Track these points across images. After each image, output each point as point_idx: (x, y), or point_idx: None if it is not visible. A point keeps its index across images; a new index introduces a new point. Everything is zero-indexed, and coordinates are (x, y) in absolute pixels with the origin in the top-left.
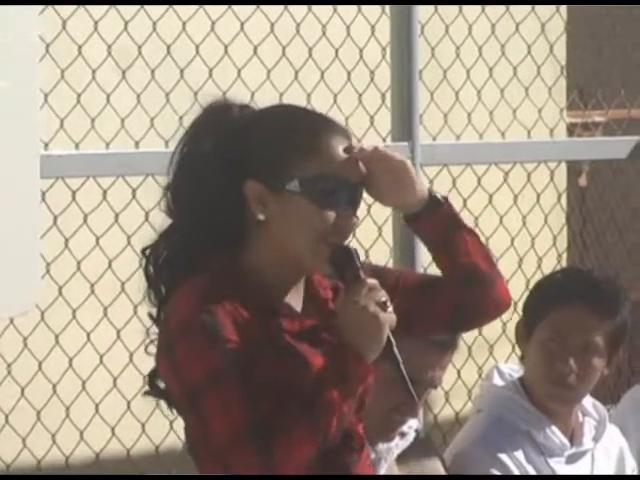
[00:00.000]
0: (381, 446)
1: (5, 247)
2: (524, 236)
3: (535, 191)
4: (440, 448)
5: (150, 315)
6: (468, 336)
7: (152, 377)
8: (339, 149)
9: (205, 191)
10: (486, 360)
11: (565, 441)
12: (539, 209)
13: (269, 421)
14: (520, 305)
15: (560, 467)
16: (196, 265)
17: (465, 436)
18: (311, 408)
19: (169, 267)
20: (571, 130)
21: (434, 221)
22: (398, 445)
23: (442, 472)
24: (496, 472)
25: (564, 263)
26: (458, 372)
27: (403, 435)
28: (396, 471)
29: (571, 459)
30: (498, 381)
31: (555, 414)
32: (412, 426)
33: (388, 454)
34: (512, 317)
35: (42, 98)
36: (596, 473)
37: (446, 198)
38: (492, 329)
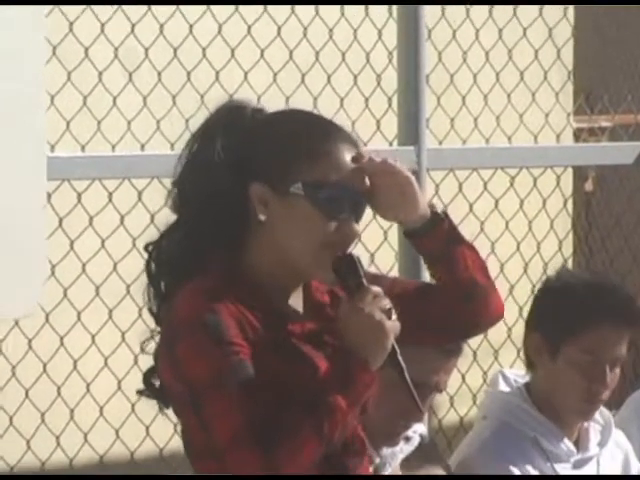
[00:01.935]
0: (385, 451)
1: (10, 248)
2: (530, 241)
3: (541, 196)
4: (445, 453)
5: (150, 310)
6: (473, 341)
7: (148, 376)
8: (347, 157)
9: (211, 190)
10: (491, 365)
11: (572, 447)
12: (545, 214)
13: (273, 423)
14: (525, 310)
15: (566, 473)
16: (197, 263)
17: (470, 443)
18: (315, 412)
19: (170, 264)
20: (577, 135)
21: (435, 237)
22: (403, 450)
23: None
24: None
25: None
26: (463, 377)
27: (408, 440)
28: None
29: (577, 465)
30: (503, 387)
31: (562, 421)
32: (417, 430)
33: (392, 459)
34: (517, 322)
35: (48, 100)
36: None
37: (446, 213)
38: (497, 334)
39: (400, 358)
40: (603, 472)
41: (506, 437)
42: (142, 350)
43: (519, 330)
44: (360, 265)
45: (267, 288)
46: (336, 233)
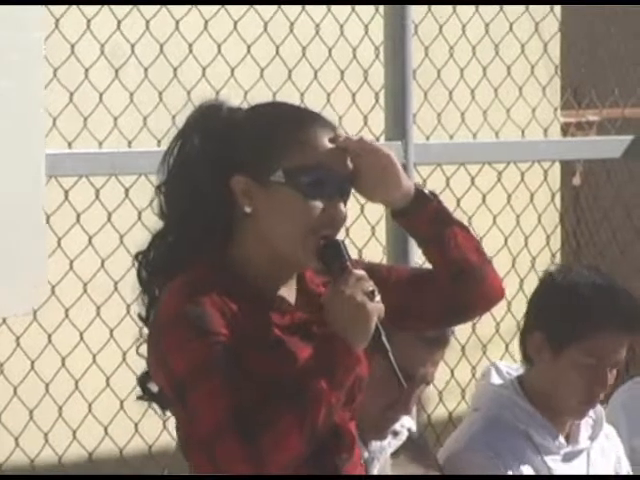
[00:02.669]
0: (374, 445)
1: (10, 246)
2: (518, 236)
3: (529, 191)
4: (434, 448)
5: (140, 316)
6: (462, 335)
7: (143, 381)
8: (324, 140)
9: (195, 190)
10: (480, 359)
11: (562, 440)
12: (533, 209)
13: (255, 412)
14: (514, 305)
15: (556, 465)
16: (188, 265)
17: (460, 436)
18: (298, 399)
19: (162, 270)
20: (565, 129)
21: (422, 216)
22: (391, 444)
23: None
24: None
25: (558, 263)
26: (452, 371)
27: (396, 434)
28: (389, 471)
29: (567, 457)
30: (496, 379)
31: (556, 417)
32: (405, 425)
33: (381, 453)
34: (505, 316)
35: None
36: (592, 472)
37: (434, 193)
38: (486, 328)
39: (384, 340)
40: (593, 465)
41: (497, 430)
42: (137, 353)
43: (507, 325)
44: (345, 249)
45: (257, 280)
46: (322, 216)
